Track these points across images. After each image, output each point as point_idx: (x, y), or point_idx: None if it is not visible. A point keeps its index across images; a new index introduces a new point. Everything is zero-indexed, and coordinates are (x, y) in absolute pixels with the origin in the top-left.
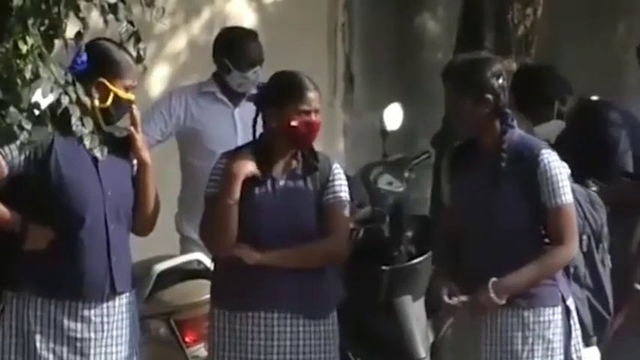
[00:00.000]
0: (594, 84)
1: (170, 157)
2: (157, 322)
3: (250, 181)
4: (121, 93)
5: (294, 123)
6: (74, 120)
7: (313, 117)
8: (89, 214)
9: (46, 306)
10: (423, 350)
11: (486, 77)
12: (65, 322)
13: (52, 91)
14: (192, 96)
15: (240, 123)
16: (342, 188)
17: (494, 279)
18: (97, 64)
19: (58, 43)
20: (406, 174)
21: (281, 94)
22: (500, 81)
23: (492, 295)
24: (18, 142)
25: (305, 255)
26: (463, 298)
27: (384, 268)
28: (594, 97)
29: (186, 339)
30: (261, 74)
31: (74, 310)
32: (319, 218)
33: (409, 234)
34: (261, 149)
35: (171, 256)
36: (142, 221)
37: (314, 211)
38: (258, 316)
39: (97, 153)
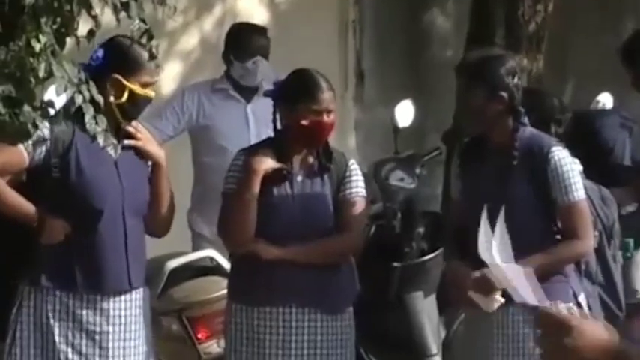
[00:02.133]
0: (605, 80)
1: (182, 153)
2: (169, 318)
3: (268, 178)
4: (137, 89)
5: (304, 122)
6: (88, 118)
7: (325, 117)
8: (107, 207)
9: (64, 299)
10: (434, 346)
11: (500, 74)
12: (84, 315)
13: (65, 89)
14: (204, 93)
15: (252, 119)
16: (358, 184)
17: None
18: (111, 61)
19: (70, 41)
20: (417, 170)
21: (293, 92)
22: (515, 79)
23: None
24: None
25: (320, 250)
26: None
27: (395, 264)
28: (596, 106)
29: (199, 335)
30: (264, 68)
31: (92, 303)
32: (335, 214)
33: (420, 230)
34: (277, 145)
35: (183, 253)
36: (156, 222)
37: (331, 208)
38: (277, 311)
39: (111, 151)
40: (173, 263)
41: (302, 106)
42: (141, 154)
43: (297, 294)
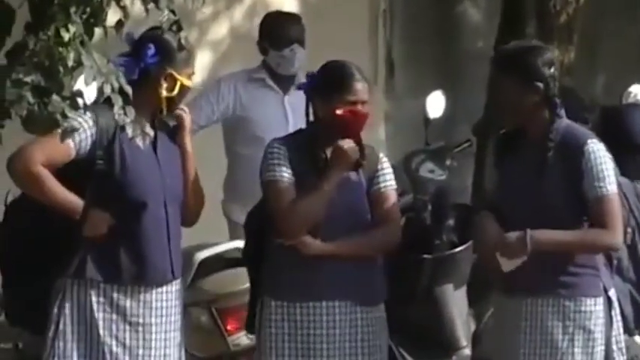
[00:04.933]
0: (638, 71)
1: (211, 143)
2: (198, 310)
3: (304, 171)
4: (186, 81)
5: (338, 112)
6: (116, 109)
7: (359, 108)
8: (151, 198)
9: (108, 292)
10: (464, 339)
11: (537, 65)
12: (128, 307)
13: (94, 79)
14: (242, 83)
15: (290, 110)
16: (390, 177)
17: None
18: (164, 56)
19: (98, 31)
20: (448, 162)
21: (328, 84)
22: (552, 70)
23: (527, 237)
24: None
25: (365, 244)
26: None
27: (425, 256)
28: (628, 98)
29: (228, 327)
30: (302, 55)
31: (136, 294)
32: (370, 208)
33: (451, 222)
34: (311, 138)
35: (212, 244)
36: (185, 211)
37: (366, 201)
38: (320, 306)
39: (139, 142)
40: (202, 254)
41: (336, 97)
42: (178, 133)
43: (339, 288)
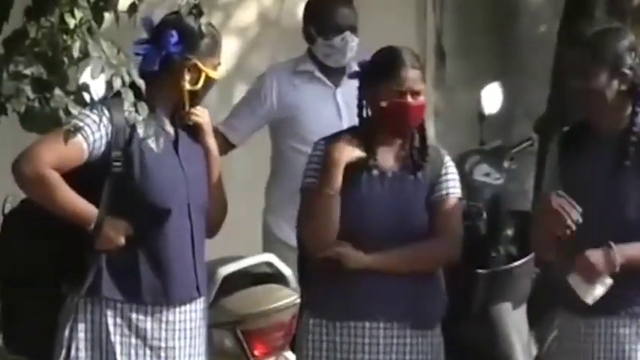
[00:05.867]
0: None
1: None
2: (221, 332)
3: (354, 171)
4: (212, 73)
5: (383, 104)
6: (127, 105)
7: (408, 99)
8: (175, 205)
9: (126, 312)
10: None
11: (622, 50)
12: (148, 329)
13: (102, 71)
14: (287, 76)
15: (343, 105)
16: (455, 184)
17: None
18: (188, 44)
19: (108, 16)
20: (506, 164)
21: (374, 72)
22: (636, 57)
23: (615, 252)
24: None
25: (415, 257)
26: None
27: (480, 271)
28: None
29: (255, 352)
30: (355, 45)
31: (158, 315)
32: (429, 217)
33: (509, 232)
34: (362, 135)
35: (237, 258)
36: (208, 220)
37: (425, 210)
38: (362, 327)
39: (152, 144)
40: (226, 269)
41: (383, 86)
42: (198, 133)
43: (385, 307)
